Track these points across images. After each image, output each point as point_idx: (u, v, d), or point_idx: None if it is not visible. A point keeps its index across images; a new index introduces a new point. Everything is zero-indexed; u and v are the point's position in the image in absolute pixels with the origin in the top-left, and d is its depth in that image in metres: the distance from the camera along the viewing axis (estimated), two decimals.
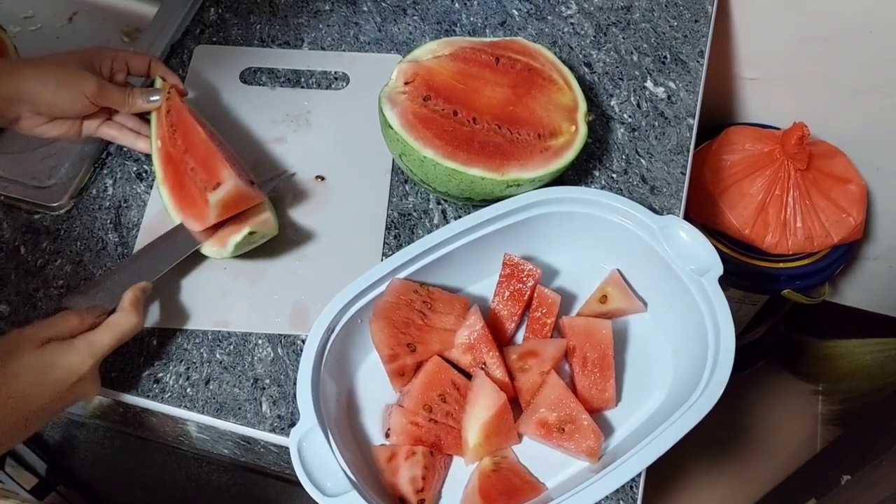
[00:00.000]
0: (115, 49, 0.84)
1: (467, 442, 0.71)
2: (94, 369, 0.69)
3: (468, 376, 0.74)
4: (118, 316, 0.72)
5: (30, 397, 0.65)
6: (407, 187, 0.88)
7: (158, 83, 0.86)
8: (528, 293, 0.78)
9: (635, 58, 0.99)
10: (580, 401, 0.72)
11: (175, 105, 0.84)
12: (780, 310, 1.50)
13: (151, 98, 0.84)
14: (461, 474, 0.73)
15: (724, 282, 0.74)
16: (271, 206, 0.82)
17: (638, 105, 0.95)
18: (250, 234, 0.78)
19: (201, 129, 0.81)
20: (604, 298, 0.79)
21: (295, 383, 0.70)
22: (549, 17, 1.02)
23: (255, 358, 0.78)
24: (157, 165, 0.84)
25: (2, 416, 0.63)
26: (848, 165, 1.33)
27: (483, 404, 0.71)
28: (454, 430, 0.72)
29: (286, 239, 0.84)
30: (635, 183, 0.89)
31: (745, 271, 1.32)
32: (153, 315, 0.80)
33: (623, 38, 1.01)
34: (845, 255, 1.36)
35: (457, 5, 1.03)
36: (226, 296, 0.81)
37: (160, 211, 0.85)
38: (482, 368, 0.73)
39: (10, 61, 0.78)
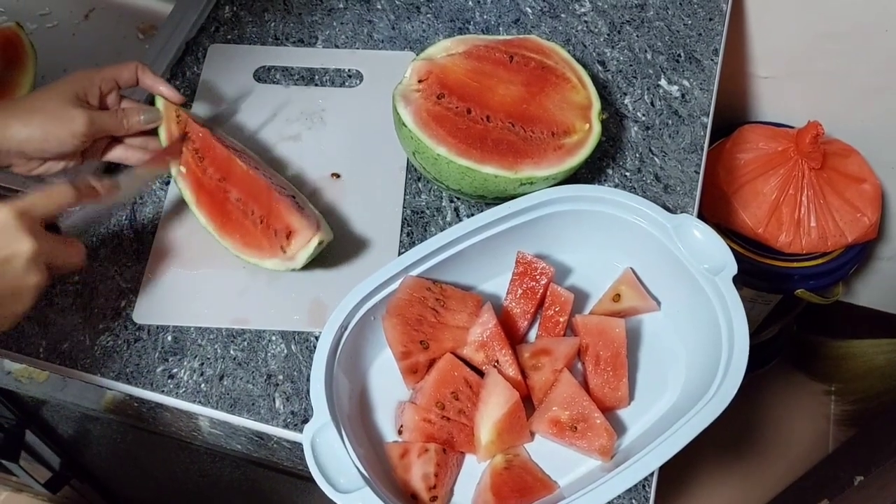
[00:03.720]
0: (96, 70, 0.79)
1: (480, 439, 0.71)
2: (19, 222, 0.63)
3: (481, 374, 0.74)
4: (62, 185, 0.68)
5: None
6: (420, 185, 0.89)
7: (159, 102, 0.84)
8: (541, 291, 0.78)
9: (649, 56, 0.99)
10: (593, 399, 0.73)
11: (196, 131, 0.83)
12: (793, 309, 1.49)
13: (146, 116, 0.82)
14: (473, 472, 0.73)
15: (738, 281, 0.74)
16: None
17: (652, 103, 0.95)
18: (319, 244, 0.77)
19: (237, 159, 0.81)
20: (617, 297, 0.79)
21: (308, 380, 0.71)
22: (562, 15, 1.02)
23: (269, 354, 0.79)
24: (186, 190, 0.83)
25: None
26: (862, 164, 1.33)
27: (496, 402, 0.71)
28: (467, 428, 0.72)
29: None
30: (649, 181, 0.89)
31: (758, 270, 1.32)
32: (172, 312, 0.81)
33: (637, 36, 1.01)
34: (859, 254, 1.35)
35: (470, 3, 1.03)
36: (245, 294, 0.81)
37: (177, 207, 0.86)
38: (495, 366, 0.73)
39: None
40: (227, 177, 0.81)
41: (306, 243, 0.77)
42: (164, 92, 0.83)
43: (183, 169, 0.83)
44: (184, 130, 0.83)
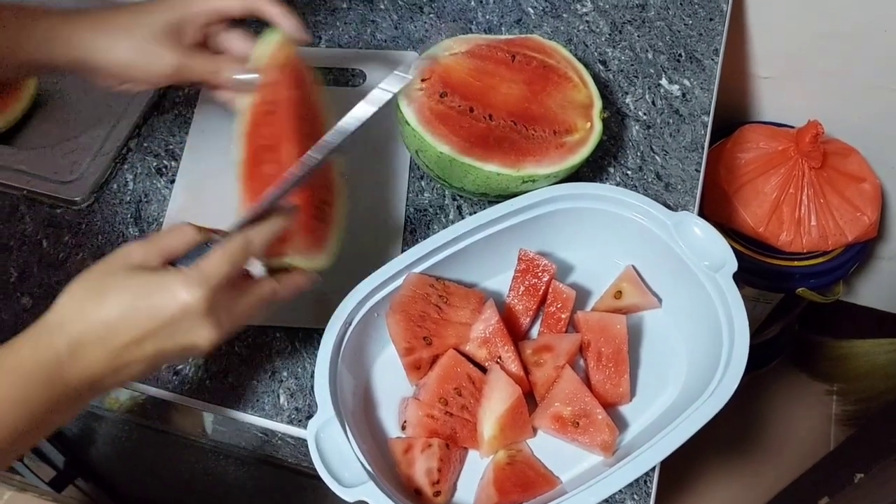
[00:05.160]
0: (209, 2, 0.70)
1: (483, 435, 0.71)
2: (207, 305, 0.57)
3: (483, 370, 0.75)
4: (235, 238, 0.60)
5: (117, 328, 0.56)
6: (423, 183, 0.89)
7: (270, 36, 0.72)
8: (544, 288, 0.78)
9: (650, 55, 0.99)
10: (595, 395, 0.73)
11: (278, 79, 0.71)
12: (794, 309, 1.50)
13: (243, 78, 0.71)
14: (476, 467, 0.73)
15: (739, 280, 0.74)
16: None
17: (653, 102, 0.95)
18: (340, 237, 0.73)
19: (292, 142, 0.71)
20: (618, 294, 0.80)
21: (312, 376, 0.71)
22: (564, 15, 1.03)
23: (273, 351, 0.79)
24: (238, 139, 0.72)
25: (89, 349, 0.55)
26: (862, 164, 1.33)
27: (498, 398, 0.71)
28: (469, 423, 0.73)
29: None
30: (650, 180, 0.89)
31: (759, 269, 1.33)
32: None
33: (638, 35, 1.01)
34: (860, 253, 1.36)
35: (473, 3, 1.04)
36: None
37: (182, 206, 0.87)
38: (497, 362, 0.74)
39: (73, 23, 0.67)
40: (273, 145, 0.72)
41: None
42: (287, 26, 0.72)
43: (249, 116, 0.73)
44: (289, 78, 0.72)
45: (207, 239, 0.61)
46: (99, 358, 0.56)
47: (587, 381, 0.76)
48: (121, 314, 0.56)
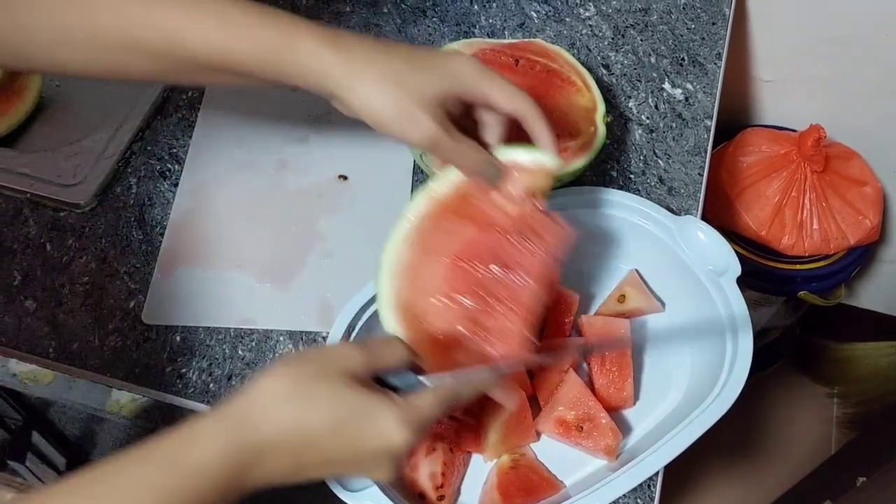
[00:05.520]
0: (477, 74, 0.62)
1: (487, 439, 0.71)
2: (407, 450, 0.53)
3: None
4: (451, 385, 0.57)
5: (315, 444, 0.51)
6: None
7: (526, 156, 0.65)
8: None
9: (653, 59, 0.99)
10: (598, 399, 0.73)
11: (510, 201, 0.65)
12: (796, 312, 1.50)
13: (488, 171, 0.64)
14: (480, 471, 0.73)
15: (741, 283, 0.74)
16: None
17: (656, 106, 0.95)
18: None
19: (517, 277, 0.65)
20: (622, 298, 0.80)
21: None
22: (567, 19, 1.03)
23: (277, 354, 0.79)
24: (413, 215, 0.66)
25: (279, 459, 0.50)
26: (864, 167, 1.33)
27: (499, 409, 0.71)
28: (473, 428, 0.73)
29: (312, 237, 0.85)
30: (653, 184, 0.90)
31: (761, 273, 1.33)
32: (180, 312, 0.81)
33: (641, 40, 1.01)
34: (861, 257, 1.36)
35: (476, 7, 1.04)
36: (253, 294, 0.82)
37: (187, 209, 0.87)
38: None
39: (336, 59, 0.60)
40: (508, 295, 0.65)
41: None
42: (546, 147, 0.65)
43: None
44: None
45: (411, 363, 0.58)
46: (283, 468, 0.51)
47: (591, 385, 0.76)
48: (327, 432, 0.51)
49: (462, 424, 0.72)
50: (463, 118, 0.65)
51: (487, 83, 0.63)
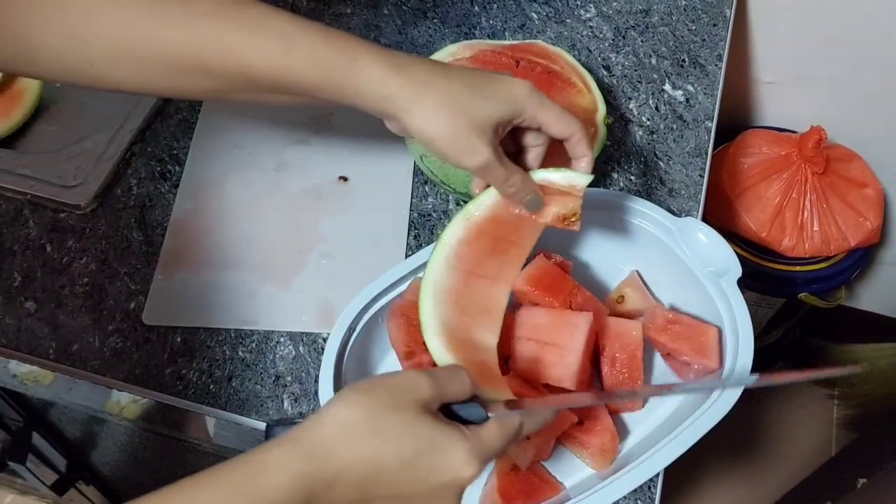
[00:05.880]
0: (540, 101, 0.63)
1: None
2: (473, 481, 0.52)
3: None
4: (516, 418, 0.56)
5: (383, 476, 0.50)
6: (427, 188, 0.89)
7: (579, 179, 0.67)
8: None
9: (654, 61, 0.99)
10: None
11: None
12: (796, 313, 1.50)
13: (529, 199, 0.66)
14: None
15: (741, 284, 0.74)
16: None
17: (656, 108, 0.95)
18: None
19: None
20: (621, 299, 0.80)
21: (316, 381, 0.71)
22: (568, 21, 1.03)
23: (277, 356, 0.79)
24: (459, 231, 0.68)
25: (345, 489, 0.49)
26: (865, 169, 1.33)
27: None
28: None
29: (312, 238, 0.85)
30: (654, 185, 0.90)
31: (761, 274, 1.33)
32: (181, 313, 0.81)
33: (641, 41, 1.01)
34: (862, 258, 1.36)
35: (476, 8, 1.04)
36: (253, 295, 0.82)
37: (187, 210, 0.87)
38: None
39: (395, 80, 0.60)
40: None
41: None
42: (587, 167, 0.67)
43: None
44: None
45: (475, 392, 0.56)
46: (349, 498, 0.50)
47: (600, 385, 0.76)
48: (396, 462, 0.50)
49: None
50: (505, 139, 0.65)
51: (544, 110, 0.63)
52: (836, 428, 1.76)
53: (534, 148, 0.68)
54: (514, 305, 0.76)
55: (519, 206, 0.67)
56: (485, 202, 0.68)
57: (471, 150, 0.61)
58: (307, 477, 0.48)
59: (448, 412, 0.54)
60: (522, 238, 0.69)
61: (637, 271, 0.82)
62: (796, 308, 1.46)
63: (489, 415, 0.55)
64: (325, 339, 0.75)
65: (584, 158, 0.67)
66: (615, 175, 0.90)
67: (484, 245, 0.68)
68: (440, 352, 0.64)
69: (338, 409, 0.50)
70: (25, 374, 0.93)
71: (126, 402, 0.89)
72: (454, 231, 0.68)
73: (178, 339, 0.80)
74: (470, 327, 0.67)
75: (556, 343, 0.71)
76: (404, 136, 0.65)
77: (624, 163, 0.91)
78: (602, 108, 0.85)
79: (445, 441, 0.51)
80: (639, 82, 0.98)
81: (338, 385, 0.70)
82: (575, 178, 0.66)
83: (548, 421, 0.59)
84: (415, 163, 0.90)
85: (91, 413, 0.98)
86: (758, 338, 1.51)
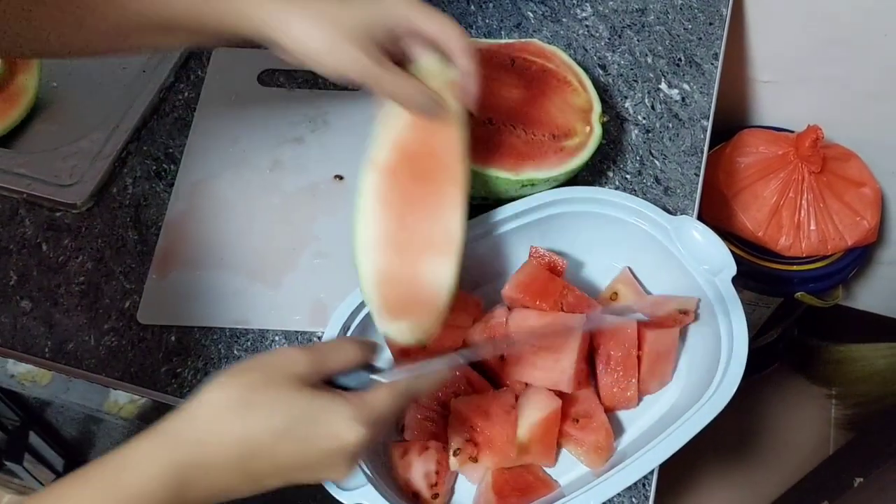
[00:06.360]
0: (412, 3, 0.65)
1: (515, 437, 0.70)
2: (363, 447, 0.52)
3: (483, 372, 0.75)
4: (405, 380, 0.56)
5: (263, 451, 0.50)
6: None
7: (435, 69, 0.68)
8: None
9: (650, 60, 0.99)
10: (602, 399, 0.73)
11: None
12: (793, 313, 1.50)
13: (423, 102, 0.67)
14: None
15: (738, 284, 0.74)
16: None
17: (652, 107, 0.96)
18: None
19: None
20: (614, 296, 0.80)
21: None
22: (563, 20, 1.03)
23: None
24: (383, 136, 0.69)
25: (223, 471, 0.49)
26: (862, 169, 1.33)
27: (535, 407, 0.71)
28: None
29: (307, 237, 0.85)
30: (649, 184, 0.90)
31: (758, 273, 1.33)
32: (176, 312, 0.81)
33: (638, 40, 1.01)
34: (859, 258, 1.36)
35: (472, 8, 1.04)
36: (247, 294, 0.82)
37: (182, 210, 0.87)
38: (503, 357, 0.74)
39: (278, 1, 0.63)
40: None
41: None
42: (466, 83, 0.68)
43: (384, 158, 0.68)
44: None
45: (365, 361, 0.56)
46: (227, 479, 0.49)
47: (595, 383, 0.76)
48: (272, 436, 0.50)
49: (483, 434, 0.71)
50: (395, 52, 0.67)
51: (416, 11, 0.65)
52: (835, 428, 1.76)
53: (420, 55, 0.69)
54: (507, 308, 0.76)
55: (419, 114, 0.67)
56: (382, 141, 0.68)
57: (350, 58, 0.63)
58: (177, 465, 0.48)
59: (337, 386, 0.54)
60: (444, 150, 0.68)
61: (629, 268, 0.82)
62: (793, 307, 1.46)
63: (373, 378, 0.55)
64: (319, 338, 0.75)
65: (467, 76, 0.68)
66: (610, 173, 0.90)
67: (403, 179, 0.67)
68: (369, 299, 0.64)
69: (208, 394, 0.50)
70: (23, 374, 0.93)
71: (124, 401, 0.90)
72: (366, 183, 0.67)
73: (173, 338, 0.80)
74: (415, 264, 0.65)
75: (551, 347, 0.71)
76: (294, 60, 0.65)
77: (619, 161, 0.91)
78: (597, 107, 0.85)
79: (322, 409, 0.51)
80: (635, 81, 0.98)
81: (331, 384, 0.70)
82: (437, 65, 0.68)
83: (443, 378, 0.60)
84: None
85: (88, 412, 0.98)
86: (755, 338, 1.52)
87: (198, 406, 0.50)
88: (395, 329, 0.64)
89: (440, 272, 0.66)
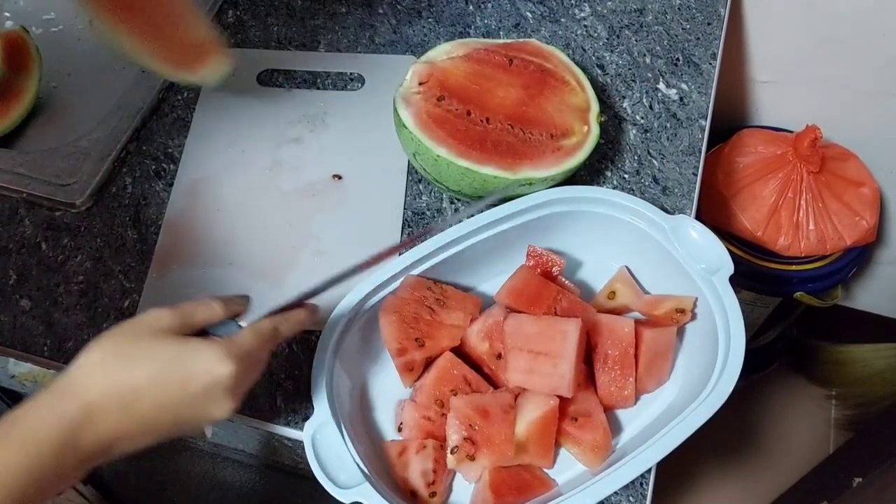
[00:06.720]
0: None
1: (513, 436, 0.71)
2: (235, 380, 0.57)
3: (480, 371, 0.75)
4: (268, 320, 0.63)
5: (142, 394, 0.54)
6: (421, 186, 0.90)
7: None
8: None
9: (648, 60, 1.00)
10: (599, 397, 0.74)
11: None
12: (792, 312, 1.50)
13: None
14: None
15: (737, 284, 0.74)
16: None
17: (650, 106, 0.96)
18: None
19: None
20: (612, 295, 0.80)
21: (309, 378, 0.71)
22: (562, 20, 1.03)
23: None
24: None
25: (108, 415, 0.53)
26: (861, 168, 1.33)
27: (534, 406, 0.71)
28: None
29: (305, 236, 0.85)
30: (647, 183, 0.90)
31: (757, 273, 1.33)
32: None
33: (636, 40, 1.02)
34: (858, 258, 1.36)
35: (471, 8, 1.04)
36: (247, 293, 0.81)
37: (181, 209, 0.87)
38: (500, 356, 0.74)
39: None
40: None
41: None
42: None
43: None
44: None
45: (232, 314, 0.62)
46: (117, 424, 0.54)
47: (592, 382, 0.76)
48: (149, 380, 0.54)
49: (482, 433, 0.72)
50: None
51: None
52: (835, 428, 1.76)
53: None
54: (505, 307, 0.76)
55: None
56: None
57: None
58: (66, 415, 0.52)
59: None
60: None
61: (627, 267, 0.82)
62: (792, 308, 1.46)
63: (241, 325, 0.61)
64: (317, 337, 0.75)
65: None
66: (608, 173, 0.91)
67: None
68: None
69: (86, 353, 0.55)
70: (24, 375, 0.93)
71: None
72: None
73: None
74: None
75: (549, 352, 0.71)
76: None
77: (617, 161, 0.91)
78: (595, 107, 0.85)
79: (191, 350, 0.56)
80: (633, 81, 0.98)
81: (330, 382, 0.70)
82: None
83: (304, 323, 0.65)
84: (408, 161, 0.90)
85: None
86: (754, 337, 1.53)
87: (78, 366, 0.55)
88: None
89: None
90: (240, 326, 0.61)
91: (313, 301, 0.67)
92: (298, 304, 0.66)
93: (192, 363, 0.56)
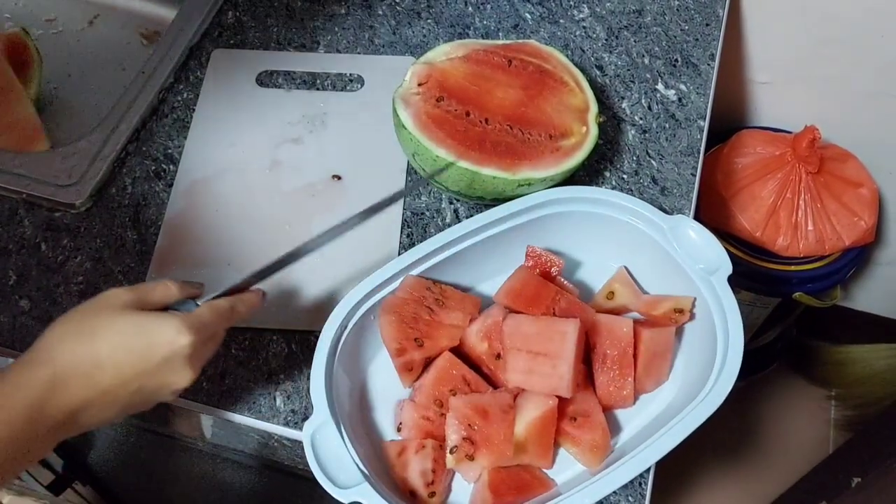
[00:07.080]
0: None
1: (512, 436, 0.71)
2: (194, 350, 0.60)
3: (479, 371, 0.75)
4: (225, 299, 0.65)
5: (106, 365, 0.57)
6: (420, 187, 0.90)
7: None
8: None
9: (646, 61, 1.00)
10: (598, 397, 0.74)
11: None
12: (791, 313, 1.50)
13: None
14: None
15: (736, 284, 0.74)
16: None
17: (649, 107, 0.96)
18: None
19: None
20: (611, 295, 0.80)
21: (308, 378, 0.72)
22: (561, 21, 1.03)
23: (270, 353, 0.80)
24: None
25: (73, 383, 0.56)
26: (860, 169, 1.34)
27: (533, 405, 0.72)
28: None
29: (305, 236, 0.85)
30: (646, 184, 0.90)
31: (756, 273, 1.33)
32: None
33: (634, 41, 1.02)
34: (857, 258, 1.36)
35: (470, 9, 1.05)
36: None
37: (181, 209, 0.87)
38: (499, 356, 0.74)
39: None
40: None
41: None
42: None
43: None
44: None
45: (188, 296, 0.64)
46: (82, 393, 0.56)
47: (591, 382, 0.76)
48: (111, 351, 0.57)
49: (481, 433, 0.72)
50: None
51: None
52: (834, 429, 1.76)
53: None
54: (504, 307, 0.76)
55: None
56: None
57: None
58: (30, 383, 0.55)
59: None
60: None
61: (626, 267, 0.82)
62: (791, 308, 1.46)
63: (199, 304, 0.64)
64: (316, 337, 0.75)
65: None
66: (607, 174, 0.91)
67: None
68: None
69: (50, 329, 0.58)
70: None
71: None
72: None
73: None
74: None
75: (548, 353, 0.71)
76: None
77: (616, 161, 0.92)
78: (594, 107, 0.85)
79: (153, 322, 0.59)
80: (631, 82, 0.98)
81: (329, 382, 0.70)
82: None
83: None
84: (408, 161, 0.90)
85: None
86: (753, 338, 1.53)
87: (44, 339, 0.58)
88: None
89: None
90: (197, 305, 0.64)
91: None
92: (256, 280, 0.69)
93: (152, 334, 0.59)
